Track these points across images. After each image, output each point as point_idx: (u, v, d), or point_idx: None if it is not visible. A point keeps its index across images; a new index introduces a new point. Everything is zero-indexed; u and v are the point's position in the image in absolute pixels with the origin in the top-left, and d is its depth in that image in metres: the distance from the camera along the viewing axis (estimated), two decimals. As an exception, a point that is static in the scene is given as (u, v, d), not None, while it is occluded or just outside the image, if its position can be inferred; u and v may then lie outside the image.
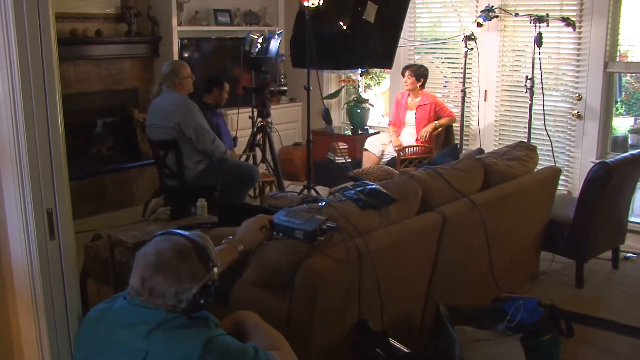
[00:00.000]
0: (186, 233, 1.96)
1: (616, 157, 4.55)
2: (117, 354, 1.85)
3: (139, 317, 1.85)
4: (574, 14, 5.91)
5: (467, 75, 6.49)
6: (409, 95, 6.64)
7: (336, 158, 7.07)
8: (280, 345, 2.09)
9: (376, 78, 8.51)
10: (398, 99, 6.76)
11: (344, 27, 5.24)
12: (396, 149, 6.43)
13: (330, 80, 8.03)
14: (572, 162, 6.21)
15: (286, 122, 7.72)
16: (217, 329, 1.91)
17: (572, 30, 5.76)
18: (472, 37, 6.26)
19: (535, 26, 5.68)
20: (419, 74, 6.51)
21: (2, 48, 1.92)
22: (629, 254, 5.13)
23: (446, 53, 7.15)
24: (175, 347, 1.80)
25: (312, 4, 5.04)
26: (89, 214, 5.94)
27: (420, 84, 6.53)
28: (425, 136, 6.41)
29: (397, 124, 6.72)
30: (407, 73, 6.52)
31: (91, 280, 3.98)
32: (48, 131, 2.01)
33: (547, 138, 5.97)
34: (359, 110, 7.59)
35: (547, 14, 5.71)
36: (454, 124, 6.69)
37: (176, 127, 4.91)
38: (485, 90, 6.70)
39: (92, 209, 6.03)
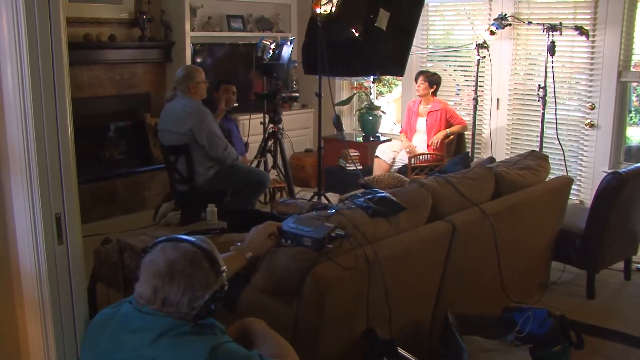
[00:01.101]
0: (191, 239, 1.95)
1: (629, 167, 4.51)
2: (123, 359, 1.85)
3: (145, 323, 1.85)
4: (588, 22, 5.89)
5: (479, 83, 6.48)
6: (420, 102, 6.63)
7: (347, 165, 7.06)
8: (286, 353, 2.08)
9: (388, 85, 8.51)
10: (410, 107, 6.76)
11: (356, 34, 5.23)
12: (407, 149, 6.42)
13: (342, 87, 8.03)
14: (585, 171, 6.17)
15: (297, 128, 7.72)
16: (223, 337, 1.91)
17: (585, 39, 5.74)
18: (485, 45, 6.26)
19: (549, 35, 5.67)
20: (433, 80, 6.51)
21: (13, 52, 1.93)
22: (641, 265, 5.09)
23: (459, 61, 7.14)
24: (181, 354, 1.80)
25: (325, 11, 5.04)
26: (99, 217, 5.96)
27: (432, 90, 6.52)
28: (437, 143, 6.39)
29: (409, 131, 6.71)
30: (420, 78, 6.51)
31: (100, 285, 3.98)
32: (58, 136, 2.01)
33: (560, 147, 5.94)
34: (370, 118, 7.58)
35: (561, 23, 5.70)
36: (465, 132, 6.67)
37: (188, 133, 4.91)
38: (498, 99, 6.69)
39: (103, 213, 6.06)
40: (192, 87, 5.03)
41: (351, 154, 6.85)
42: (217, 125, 5.08)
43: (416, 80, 6.59)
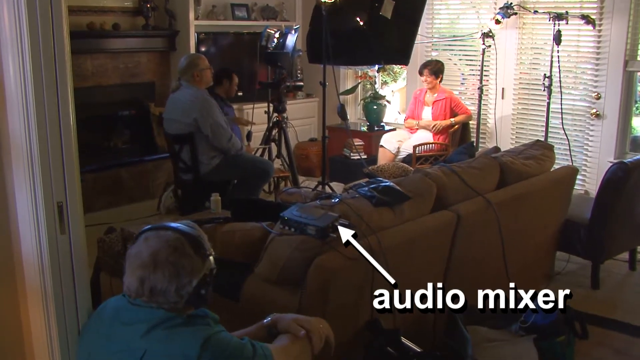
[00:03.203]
0: (176, 225, 1.94)
1: (635, 157, 4.49)
2: (116, 352, 1.84)
3: (137, 315, 1.85)
4: (594, 11, 5.85)
5: (484, 73, 6.45)
6: (426, 91, 6.61)
7: (351, 154, 7.05)
8: (290, 350, 2.06)
9: (393, 74, 8.48)
10: (416, 95, 6.73)
11: (361, 23, 5.22)
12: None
13: (347, 76, 8.00)
14: (590, 161, 6.15)
15: (302, 117, 7.71)
16: (216, 326, 1.90)
17: (592, 28, 5.70)
18: (490, 34, 6.23)
19: (555, 24, 5.63)
20: (437, 70, 6.47)
21: (14, 41, 1.92)
22: (646, 256, 5.06)
23: (464, 50, 7.11)
24: (173, 345, 1.79)
25: (329, 0, 5.02)
26: (104, 207, 5.97)
27: (438, 80, 6.50)
28: (440, 127, 6.37)
29: (415, 119, 6.68)
30: (425, 72, 6.46)
31: (104, 274, 3.98)
32: (59, 124, 2.00)
33: (565, 137, 5.92)
34: (375, 107, 7.55)
35: (567, 12, 5.66)
36: (470, 122, 6.65)
37: (193, 123, 4.91)
38: (503, 88, 6.66)
39: (107, 202, 6.06)
40: (196, 75, 5.01)
41: (355, 144, 6.84)
42: (222, 115, 5.07)
43: (421, 74, 6.54)
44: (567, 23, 5.65)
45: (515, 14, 6.15)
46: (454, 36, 7.12)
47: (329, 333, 2.16)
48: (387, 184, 3.15)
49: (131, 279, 1.87)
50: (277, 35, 6.01)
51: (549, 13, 5.68)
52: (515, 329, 3.26)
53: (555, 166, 4.44)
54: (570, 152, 5.86)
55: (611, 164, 4.51)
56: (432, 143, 6.39)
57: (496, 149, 4.67)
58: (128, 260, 1.90)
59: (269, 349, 1.94)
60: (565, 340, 3.21)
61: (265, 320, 2.20)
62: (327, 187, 5.73)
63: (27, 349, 2.24)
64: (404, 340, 2.70)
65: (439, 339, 3.30)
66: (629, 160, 4.38)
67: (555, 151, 4.44)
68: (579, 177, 5.33)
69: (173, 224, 1.95)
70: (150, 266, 1.84)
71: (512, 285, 3.64)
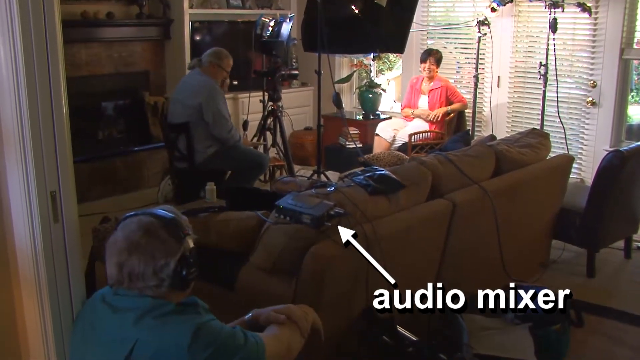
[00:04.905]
0: (152, 210, 1.93)
1: (631, 146, 4.48)
2: (108, 342, 1.83)
3: (125, 304, 1.84)
4: (590, -1, 5.84)
5: (480, 61, 6.43)
6: (423, 80, 6.58)
7: (347, 143, 7.04)
8: (279, 330, 2.06)
9: (388, 63, 8.45)
10: (413, 83, 6.70)
11: (356, 11, 5.20)
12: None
13: (342, 64, 7.98)
14: (586, 150, 6.15)
15: (297, 106, 7.68)
16: (207, 315, 1.89)
17: (587, 16, 5.69)
18: (486, 22, 6.20)
19: (550, 11, 5.61)
20: (439, 59, 6.45)
21: (5, 29, 1.89)
22: (641, 244, 5.07)
23: (459, 38, 7.09)
24: (164, 335, 1.78)
25: (324, -12, 5.00)
26: (99, 196, 5.95)
27: (438, 69, 6.48)
28: (438, 116, 6.35)
29: (411, 108, 6.66)
30: (430, 60, 6.41)
31: (99, 263, 3.97)
32: (52, 113, 1.99)
33: (561, 125, 5.91)
34: (370, 95, 7.53)
35: (563, -1, 5.65)
36: (466, 110, 6.63)
37: (197, 107, 4.96)
38: (499, 76, 6.64)
39: (102, 192, 6.04)
40: (213, 66, 5.10)
41: (351, 132, 6.82)
42: (226, 107, 5.11)
43: (424, 61, 6.48)
44: (563, 11, 5.64)
45: (511, 1, 6.13)
46: (450, 24, 7.10)
47: (314, 318, 2.16)
48: (383, 172, 3.14)
49: (111, 267, 1.87)
50: (272, 23, 5.99)
51: (545, 1, 5.66)
52: (511, 317, 3.26)
53: (551, 154, 4.43)
54: (566, 140, 5.85)
55: (607, 152, 4.51)
56: (427, 131, 6.38)
57: (492, 137, 4.67)
58: (107, 249, 1.90)
59: (261, 337, 1.94)
60: (560, 328, 3.22)
61: (246, 317, 2.19)
62: (322, 175, 5.72)
63: (20, 338, 2.23)
64: (399, 329, 2.70)
65: (435, 328, 3.30)
66: (625, 148, 4.37)
67: (551, 139, 4.43)
68: (574, 165, 5.32)
69: (149, 210, 1.94)
70: (125, 251, 1.84)
71: (507, 272, 3.65)
